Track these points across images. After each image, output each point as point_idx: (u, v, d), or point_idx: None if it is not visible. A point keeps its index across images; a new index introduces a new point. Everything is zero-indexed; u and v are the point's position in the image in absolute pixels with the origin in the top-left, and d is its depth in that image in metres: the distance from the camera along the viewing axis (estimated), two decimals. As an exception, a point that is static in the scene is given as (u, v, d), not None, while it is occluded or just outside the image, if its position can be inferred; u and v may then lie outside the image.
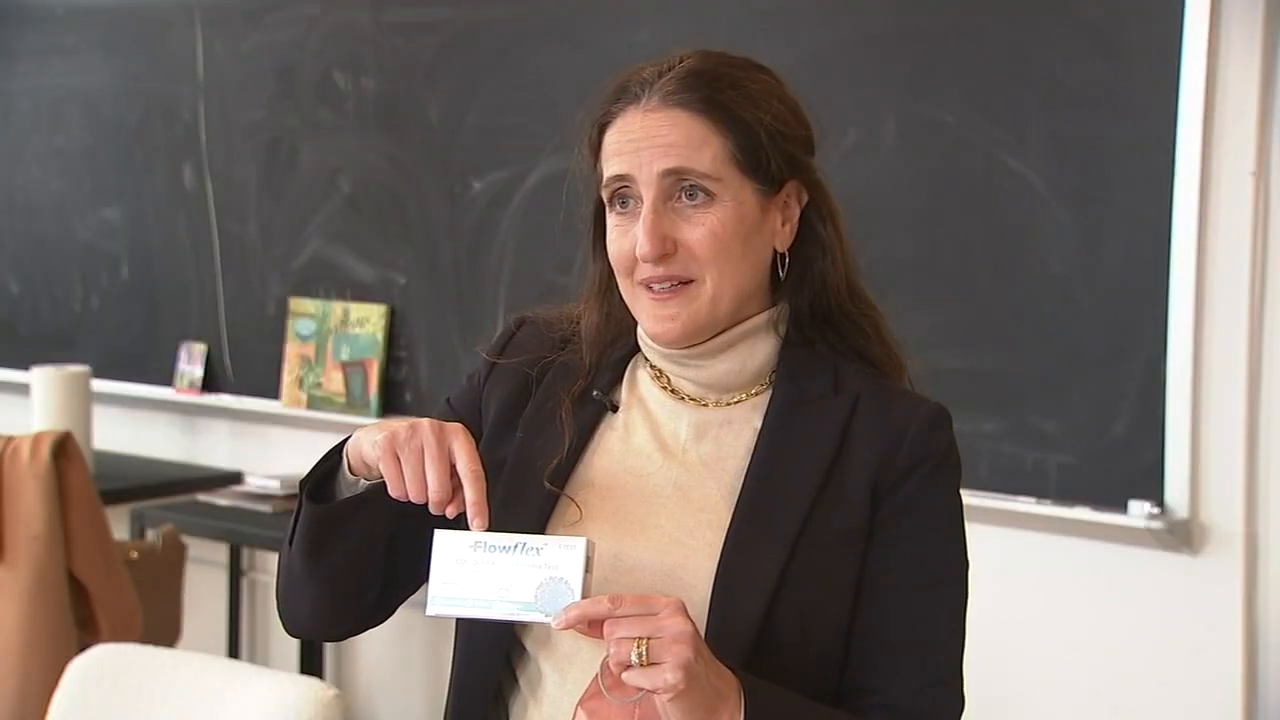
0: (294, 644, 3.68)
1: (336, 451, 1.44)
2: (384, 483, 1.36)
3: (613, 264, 1.43)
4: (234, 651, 3.89)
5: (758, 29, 2.95)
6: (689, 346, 1.43)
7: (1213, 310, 2.55)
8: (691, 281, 1.39)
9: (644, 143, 1.38)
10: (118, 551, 3.09)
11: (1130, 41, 2.58)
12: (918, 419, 1.42)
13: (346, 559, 1.44)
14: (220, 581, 3.92)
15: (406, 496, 1.34)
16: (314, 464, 1.45)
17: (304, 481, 1.45)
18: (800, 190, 1.45)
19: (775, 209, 1.43)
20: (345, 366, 3.64)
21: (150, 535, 3.44)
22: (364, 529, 1.43)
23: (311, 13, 3.68)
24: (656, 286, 1.40)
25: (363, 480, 1.41)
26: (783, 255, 1.45)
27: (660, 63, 1.42)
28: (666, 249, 1.38)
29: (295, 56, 3.71)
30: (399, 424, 1.35)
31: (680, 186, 1.38)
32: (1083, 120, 2.63)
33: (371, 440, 1.36)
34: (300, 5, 3.70)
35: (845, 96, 2.84)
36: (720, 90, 1.40)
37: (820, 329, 1.47)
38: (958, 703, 1.42)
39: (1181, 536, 2.59)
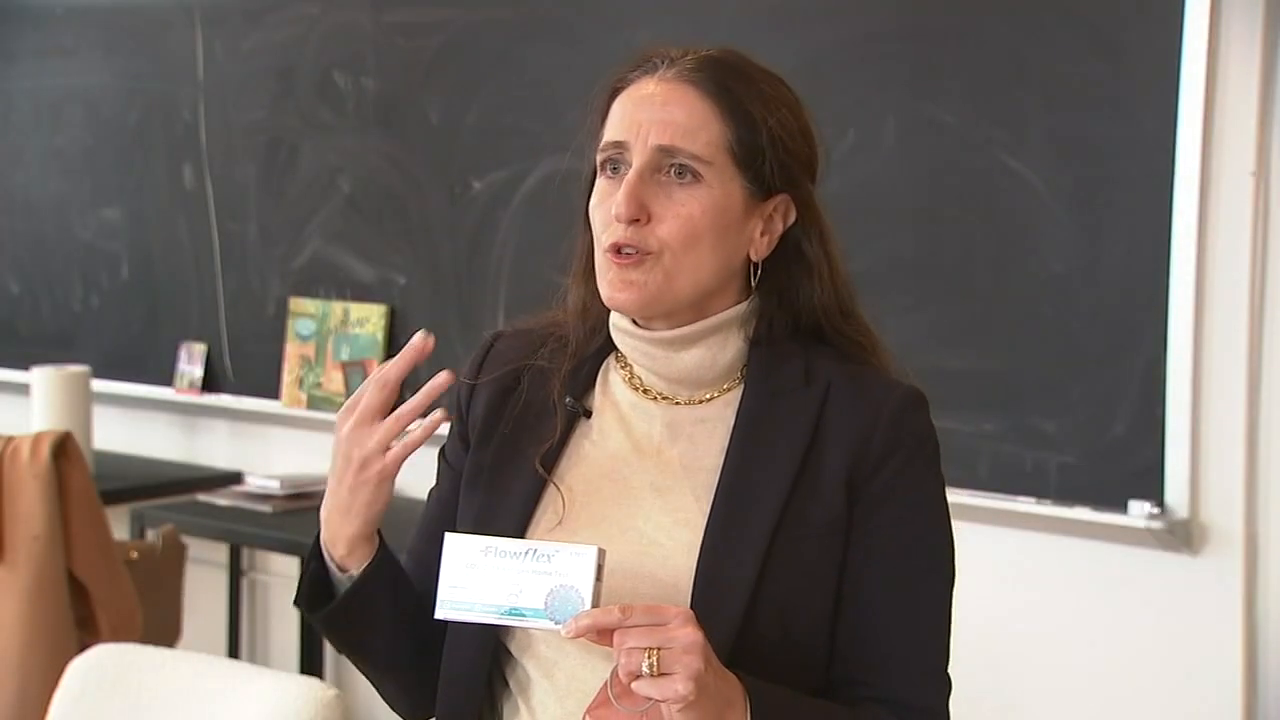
0: (294, 644, 3.68)
1: (315, 555, 1.45)
2: (375, 563, 1.41)
3: (593, 224, 1.44)
4: (234, 651, 3.89)
5: (758, 29, 2.95)
6: (649, 322, 1.43)
7: (1213, 310, 2.55)
8: (650, 254, 1.39)
9: (646, 114, 1.39)
10: (118, 551, 3.09)
11: (1130, 41, 2.58)
12: (890, 405, 1.41)
13: (390, 644, 1.47)
14: (220, 581, 3.92)
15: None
16: (300, 576, 1.46)
17: (296, 600, 1.45)
18: (789, 207, 1.44)
19: (759, 217, 1.43)
20: (345, 366, 3.64)
21: (150, 535, 3.44)
22: (383, 610, 1.44)
23: (311, 13, 3.68)
24: (623, 251, 1.40)
25: (350, 572, 1.42)
26: (755, 265, 1.44)
27: (688, 46, 1.44)
28: (640, 215, 1.38)
29: (295, 56, 3.71)
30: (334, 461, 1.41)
31: (670, 163, 1.39)
32: (1083, 120, 2.63)
33: (326, 509, 1.42)
34: (300, 5, 3.70)
35: (845, 96, 2.84)
36: (734, 80, 1.41)
37: (802, 339, 1.46)
38: (946, 687, 1.42)
39: (1181, 536, 2.59)
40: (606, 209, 1.40)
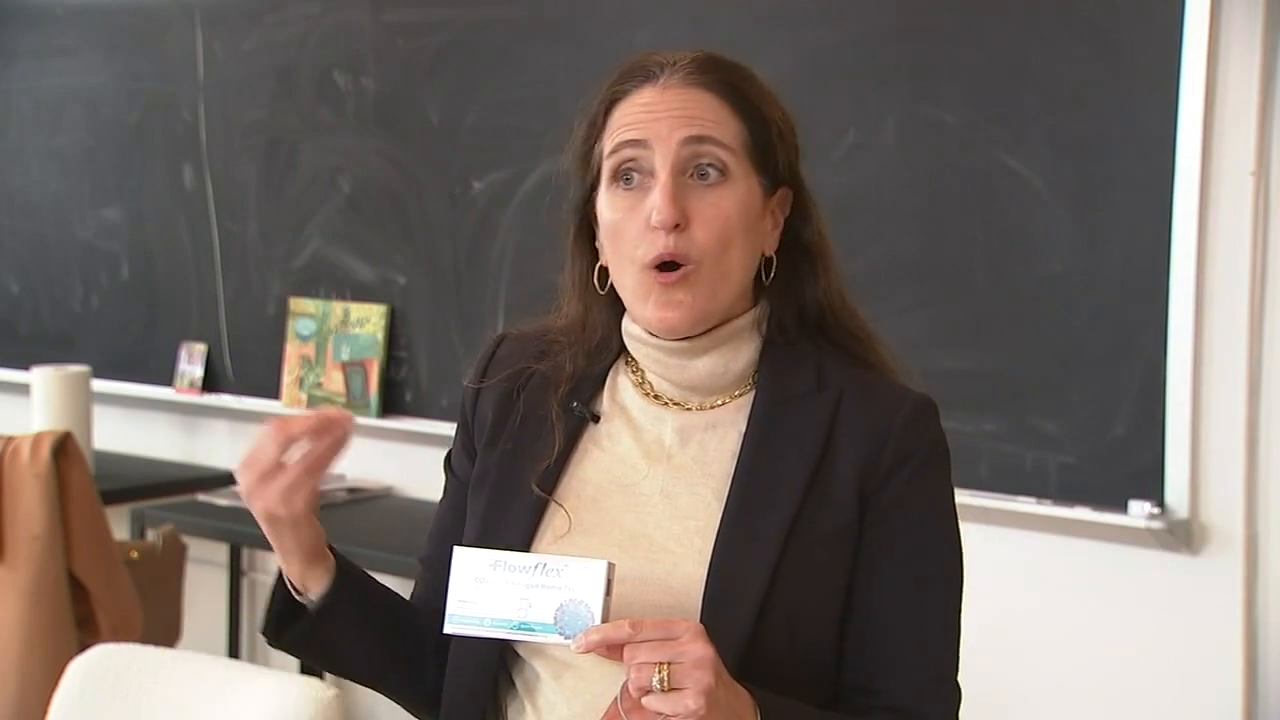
0: (294, 644, 3.68)
1: (279, 583, 1.44)
2: (333, 587, 1.40)
3: (614, 243, 1.40)
4: (234, 651, 3.89)
5: (758, 29, 2.95)
6: (685, 339, 1.41)
7: (1213, 310, 2.55)
8: (692, 265, 1.37)
9: (664, 112, 1.37)
10: (118, 551, 3.09)
11: (1130, 41, 2.58)
12: (902, 413, 1.40)
13: (366, 657, 1.48)
14: (220, 581, 3.92)
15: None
16: (267, 605, 1.45)
17: (263, 629, 1.45)
18: (787, 198, 1.44)
19: (768, 211, 1.42)
20: (345, 366, 3.64)
21: (150, 535, 3.43)
22: (350, 627, 1.44)
23: (311, 13, 3.68)
24: (665, 266, 1.37)
25: (311, 595, 1.42)
26: (768, 259, 1.44)
27: (673, 52, 1.42)
28: (682, 219, 1.35)
29: (295, 56, 3.71)
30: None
31: (695, 163, 1.37)
32: (1083, 120, 2.63)
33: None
34: (300, 5, 3.70)
35: (845, 96, 2.84)
36: (739, 78, 1.40)
37: (814, 339, 1.46)
38: (956, 696, 1.42)
39: (1181, 536, 2.59)
40: (638, 221, 1.37)
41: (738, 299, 1.42)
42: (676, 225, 1.35)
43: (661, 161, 1.36)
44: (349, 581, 1.43)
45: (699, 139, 1.36)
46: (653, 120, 1.37)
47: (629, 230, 1.38)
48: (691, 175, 1.37)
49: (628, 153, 1.38)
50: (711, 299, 1.39)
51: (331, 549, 1.43)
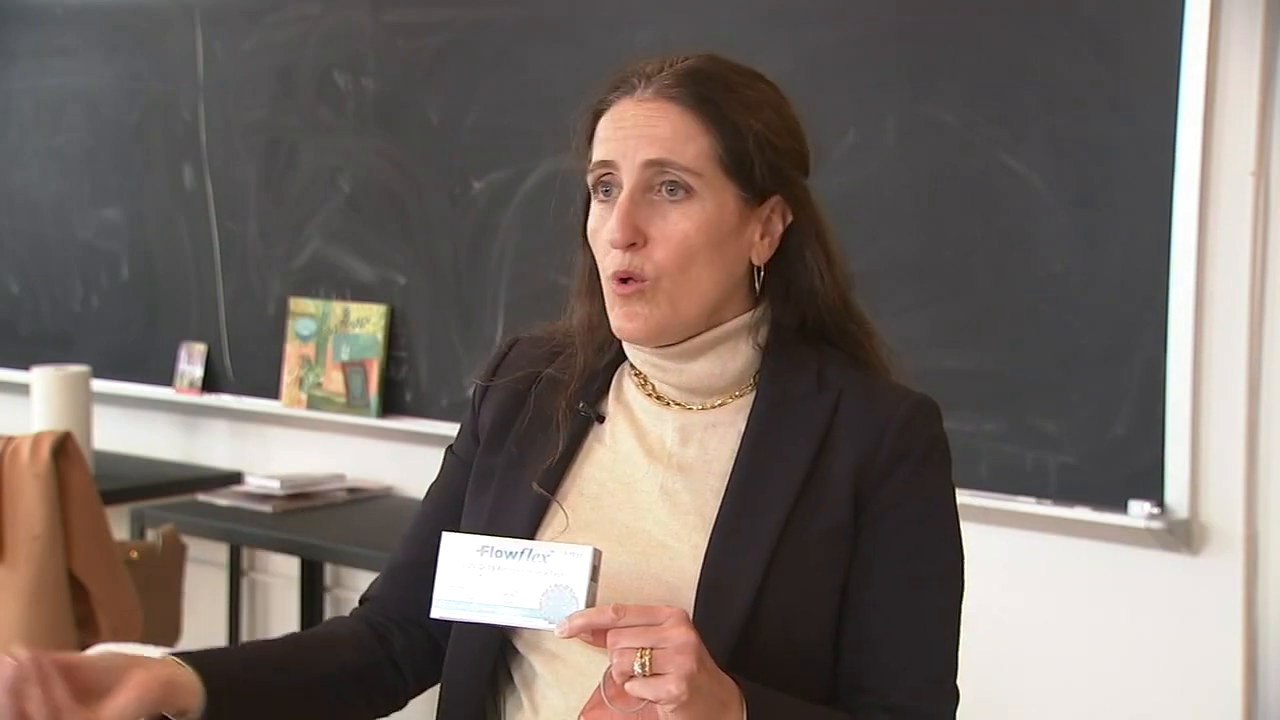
0: (294, 644, 3.68)
1: None
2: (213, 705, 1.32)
3: (591, 249, 1.44)
4: (234, 651, 3.89)
5: (758, 29, 2.95)
6: (661, 347, 1.43)
7: (1213, 310, 2.55)
8: (648, 281, 1.39)
9: (631, 131, 1.39)
10: (118, 551, 3.09)
11: (1130, 41, 2.58)
12: (900, 414, 1.41)
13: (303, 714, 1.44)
14: (220, 581, 3.92)
15: None
16: None
17: None
18: (785, 206, 1.44)
19: (756, 220, 1.42)
20: (345, 366, 3.64)
21: (150, 535, 3.44)
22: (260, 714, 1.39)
23: (311, 13, 3.68)
24: (625, 280, 1.39)
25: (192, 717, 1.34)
26: (759, 268, 1.44)
27: (663, 59, 1.43)
28: (636, 238, 1.38)
29: (295, 56, 3.71)
30: None
31: (661, 180, 1.38)
32: (1083, 120, 2.63)
33: None
34: (300, 5, 3.70)
35: (845, 96, 2.84)
36: (714, 90, 1.40)
37: (817, 341, 1.46)
38: (954, 698, 1.42)
39: (1181, 536, 2.59)
40: (604, 233, 1.40)
41: (721, 307, 1.43)
42: (632, 244, 1.38)
43: (626, 181, 1.39)
44: (226, 691, 1.34)
45: (659, 163, 1.38)
46: (620, 140, 1.39)
47: (599, 240, 1.42)
48: (659, 191, 1.39)
49: (600, 170, 1.42)
50: (672, 313, 1.40)
51: (197, 664, 1.34)
